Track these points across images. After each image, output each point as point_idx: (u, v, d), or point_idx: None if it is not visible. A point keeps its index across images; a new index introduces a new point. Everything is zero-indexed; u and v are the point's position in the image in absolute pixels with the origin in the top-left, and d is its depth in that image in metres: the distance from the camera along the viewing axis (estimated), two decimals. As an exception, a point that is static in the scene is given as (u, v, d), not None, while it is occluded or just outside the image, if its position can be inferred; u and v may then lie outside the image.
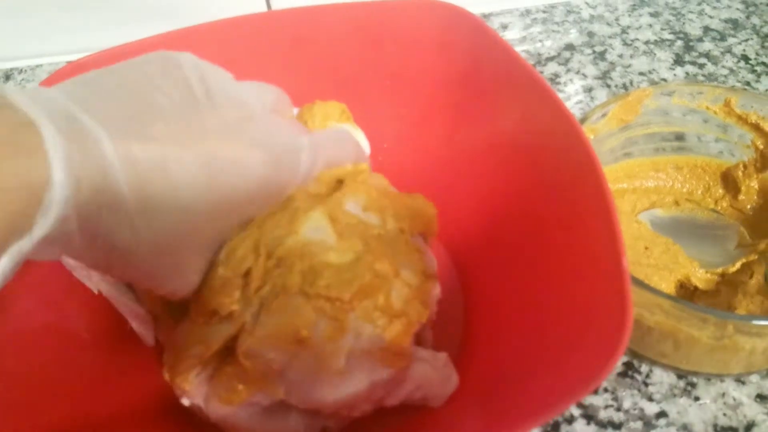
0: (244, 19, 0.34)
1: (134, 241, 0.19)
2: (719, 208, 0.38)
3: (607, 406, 0.31)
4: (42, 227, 0.16)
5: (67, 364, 0.27)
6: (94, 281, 0.26)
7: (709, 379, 0.31)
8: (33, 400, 0.24)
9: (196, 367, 0.24)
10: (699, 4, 0.58)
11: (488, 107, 0.32)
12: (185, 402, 0.25)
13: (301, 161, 0.25)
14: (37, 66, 0.53)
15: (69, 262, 0.25)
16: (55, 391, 0.25)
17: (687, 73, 0.50)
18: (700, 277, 0.34)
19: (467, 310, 0.32)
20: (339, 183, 0.28)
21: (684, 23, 0.56)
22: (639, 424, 0.30)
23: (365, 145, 0.31)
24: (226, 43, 0.33)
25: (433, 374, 0.26)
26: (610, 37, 0.54)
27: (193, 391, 0.24)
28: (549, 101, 0.27)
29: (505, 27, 0.55)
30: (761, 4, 0.57)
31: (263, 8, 0.53)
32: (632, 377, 0.31)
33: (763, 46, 0.53)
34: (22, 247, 0.16)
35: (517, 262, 0.30)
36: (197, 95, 0.21)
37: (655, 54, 0.52)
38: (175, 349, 0.25)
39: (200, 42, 0.32)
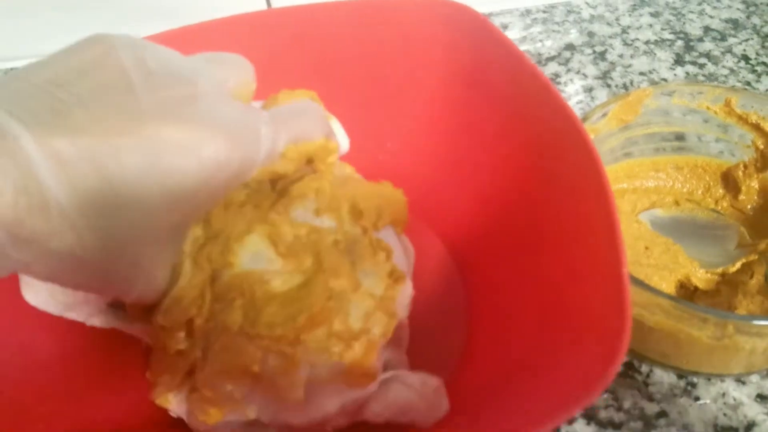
0: (245, 17, 0.34)
1: (79, 244, 0.18)
2: (719, 208, 0.38)
3: (607, 406, 0.30)
4: None
5: (65, 369, 0.27)
6: (83, 317, 0.25)
7: (709, 379, 0.31)
8: (30, 406, 0.24)
9: (171, 390, 0.24)
10: (699, 4, 0.58)
11: (491, 106, 0.32)
12: (173, 414, 0.24)
13: (261, 136, 0.23)
14: (37, 66, 0.53)
15: (50, 308, 0.24)
16: (53, 397, 0.25)
17: (687, 73, 0.50)
18: (701, 277, 0.34)
19: (470, 314, 0.32)
20: (309, 162, 0.26)
21: (684, 23, 0.55)
22: (639, 424, 0.30)
23: (343, 138, 0.29)
24: (226, 42, 0.32)
25: (420, 402, 0.24)
26: (610, 37, 0.54)
27: (175, 408, 0.24)
28: (553, 102, 0.27)
29: (505, 27, 0.55)
30: (762, 4, 0.57)
31: (263, 7, 0.53)
32: (632, 377, 0.31)
33: (763, 46, 0.53)
34: None
35: (518, 264, 0.30)
36: (133, 78, 0.19)
37: (655, 54, 0.52)
38: (151, 371, 0.24)
39: (200, 40, 0.32)
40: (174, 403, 0.24)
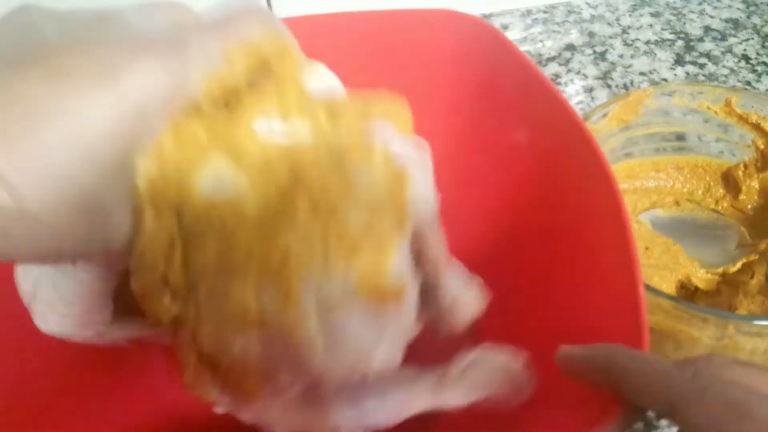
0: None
1: (15, 200, 0.16)
2: (720, 208, 0.38)
3: (607, 407, 0.31)
4: None
5: (87, 375, 0.27)
6: (98, 333, 0.23)
7: (709, 379, 0.31)
8: (54, 409, 0.25)
9: (204, 380, 0.21)
10: (699, 3, 0.58)
11: (503, 119, 0.32)
12: (219, 410, 0.22)
13: (188, 46, 0.20)
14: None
15: (65, 329, 0.22)
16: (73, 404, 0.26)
17: (687, 73, 0.50)
18: (701, 278, 0.34)
19: (475, 333, 0.32)
20: (266, 68, 0.21)
21: (684, 23, 0.55)
22: (640, 425, 0.30)
23: (333, 80, 0.25)
24: None
25: (504, 386, 0.23)
26: (610, 37, 0.54)
27: (219, 400, 0.21)
28: (565, 116, 0.27)
29: (505, 27, 0.55)
30: (762, 3, 0.57)
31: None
32: (633, 377, 0.31)
33: (763, 46, 0.53)
34: None
35: (527, 280, 0.29)
36: (40, 22, 0.18)
37: (655, 54, 0.52)
38: (179, 365, 0.22)
39: None
40: (215, 394, 0.21)
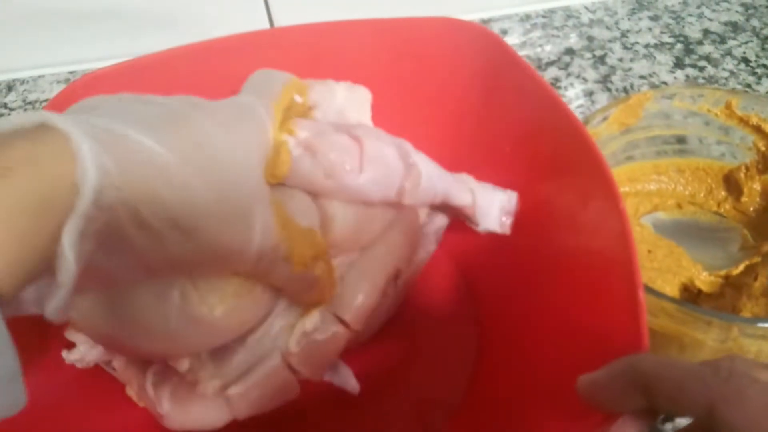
0: (267, 33, 0.34)
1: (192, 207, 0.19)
2: (722, 210, 0.38)
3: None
4: (82, 206, 0.16)
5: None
6: None
7: (714, 383, 0.31)
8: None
9: None
10: (698, 7, 0.58)
11: (504, 125, 0.32)
12: None
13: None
14: (39, 77, 0.54)
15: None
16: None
17: (687, 76, 0.50)
18: (704, 280, 0.34)
19: (480, 337, 0.32)
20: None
21: (683, 26, 0.56)
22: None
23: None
24: (245, 58, 0.32)
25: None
26: (609, 41, 0.54)
27: None
28: (566, 121, 0.27)
29: (504, 32, 0.56)
30: (761, 6, 0.57)
31: (264, 19, 0.53)
32: (637, 381, 0.31)
33: (763, 48, 0.53)
34: (76, 222, 0.16)
35: (531, 284, 0.30)
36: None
37: (655, 57, 0.52)
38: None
39: (217, 56, 0.32)
40: None
